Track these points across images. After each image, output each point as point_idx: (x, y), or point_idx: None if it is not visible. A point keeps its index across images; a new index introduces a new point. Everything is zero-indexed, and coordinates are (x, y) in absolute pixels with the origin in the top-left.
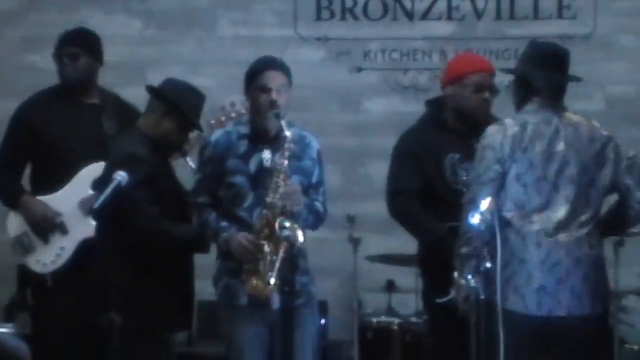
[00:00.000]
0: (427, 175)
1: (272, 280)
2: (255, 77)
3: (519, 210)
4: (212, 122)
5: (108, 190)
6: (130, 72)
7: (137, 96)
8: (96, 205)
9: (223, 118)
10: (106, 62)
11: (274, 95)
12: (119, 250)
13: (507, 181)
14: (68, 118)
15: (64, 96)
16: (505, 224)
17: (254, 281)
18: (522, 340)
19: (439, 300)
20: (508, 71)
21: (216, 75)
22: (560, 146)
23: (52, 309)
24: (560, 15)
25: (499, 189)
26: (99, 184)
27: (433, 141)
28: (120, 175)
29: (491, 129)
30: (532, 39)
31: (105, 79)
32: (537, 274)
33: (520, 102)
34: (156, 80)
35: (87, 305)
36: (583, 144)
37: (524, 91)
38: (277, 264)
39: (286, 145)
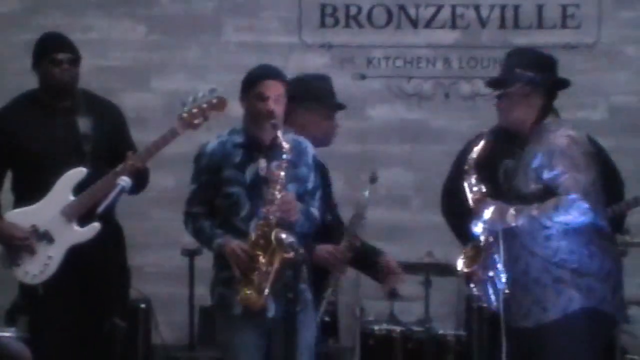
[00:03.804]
0: (482, 182)
1: (266, 291)
2: (252, 85)
3: (605, 219)
4: (184, 115)
5: (112, 195)
6: (135, 78)
7: (141, 101)
8: (100, 209)
9: (195, 110)
10: (110, 67)
11: (271, 105)
12: None
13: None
14: (42, 124)
15: (38, 102)
16: (599, 233)
17: (247, 291)
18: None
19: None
20: (560, 80)
21: (221, 81)
22: None
23: (47, 315)
24: (564, 25)
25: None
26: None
27: (490, 148)
28: (124, 181)
29: (575, 134)
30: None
31: (110, 84)
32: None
33: (543, 114)
34: (160, 85)
35: (86, 310)
36: None
37: (549, 102)
38: (272, 276)
39: (284, 157)
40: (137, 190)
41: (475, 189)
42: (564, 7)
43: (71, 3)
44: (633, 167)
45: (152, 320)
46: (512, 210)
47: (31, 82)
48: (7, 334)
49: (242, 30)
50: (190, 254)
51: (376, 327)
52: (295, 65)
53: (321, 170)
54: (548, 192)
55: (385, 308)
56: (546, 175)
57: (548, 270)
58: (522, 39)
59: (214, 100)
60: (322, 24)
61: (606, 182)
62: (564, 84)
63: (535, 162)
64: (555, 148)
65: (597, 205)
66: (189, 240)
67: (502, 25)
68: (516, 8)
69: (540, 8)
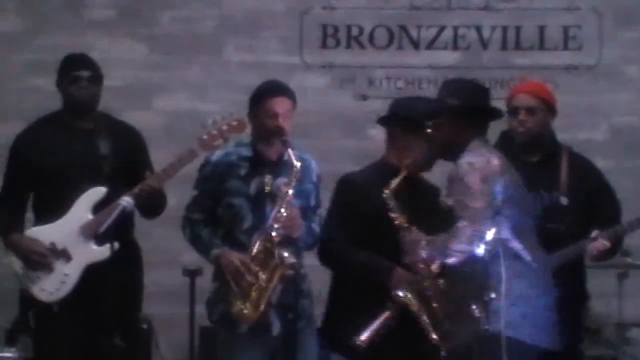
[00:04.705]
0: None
1: (262, 307)
2: (262, 101)
3: (522, 242)
4: (204, 136)
5: (113, 215)
6: (136, 97)
7: (142, 121)
8: (101, 229)
9: (215, 132)
10: (112, 87)
11: (281, 121)
12: None
13: (505, 213)
14: (62, 144)
15: (59, 123)
16: (513, 256)
17: (242, 306)
18: None
19: None
20: (487, 106)
21: (221, 100)
22: (519, 181)
23: (55, 333)
24: (566, 46)
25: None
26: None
27: None
28: (126, 201)
29: (478, 160)
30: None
31: (111, 103)
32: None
33: (461, 136)
34: (161, 105)
35: (90, 328)
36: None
37: (475, 129)
38: (269, 292)
39: (294, 176)
40: (153, 214)
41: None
42: (566, 29)
43: (72, 23)
44: (635, 187)
45: (152, 340)
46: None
47: (32, 101)
48: (7, 354)
49: (243, 50)
50: (191, 273)
51: None
52: (296, 85)
53: None
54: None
55: None
56: (449, 202)
57: (462, 293)
58: (523, 60)
59: (234, 123)
60: (324, 44)
61: (602, 204)
62: (492, 111)
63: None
64: (454, 175)
65: (503, 231)
66: (190, 260)
67: (504, 46)
68: (518, 29)
69: (541, 29)
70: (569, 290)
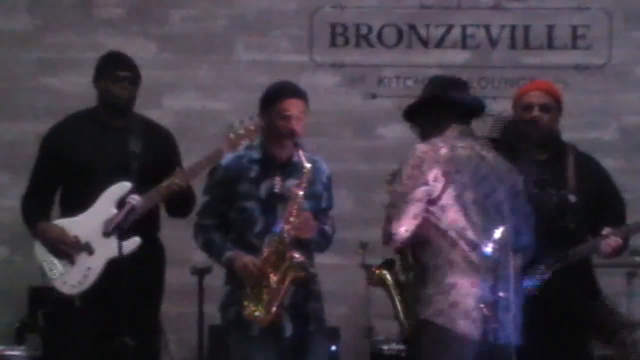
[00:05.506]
0: None
1: (274, 309)
2: (275, 102)
3: (462, 232)
4: (231, 136)
5: (122, 214)
6: (146, 96)
7: (153, 120)
8: (110, 228)
9: (242, 132)
10: None
11: (293, 123)
12: None
13: (444, 201)
14: (93, 140)
15: (93, 119)
16: (449, 245)
17: (254, 308)
18: None
19: None
20: (430, 96)
21: (231, 99)
22: (486, 172)
23: (67, 330)
24: (575, 45)
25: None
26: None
27: None
28: (135, 199)
29: (423, 148)
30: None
31: None
32: None
33: (431, 128)
34: (171, 104)
35: (104, 327)
36: (503, 173)
37: (437, 116)
38: (282, 294)
39: (304, 177)
40: (181, 213)
41: None
42: (575, 28)
43: (83, 21)
44: None
45: (161, 339)
46: None
47: (42, 100)
48: (16, 352)
49: (253, 49)
50: (200, 272)
51: (386, 347)
52: (306, 84)
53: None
54: None
55: (396, 327)
56: None
57: (413, 282)
58: (532, 60)
59: (261, 123)
60: (333, 43)
61: (607, 202)
62: (459, 101)
63: None
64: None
65: (441, 221)
66: (198, 259)
67: (513, 45)
68: (526, 28)
69: (550, 29)
70: (579, 288)
